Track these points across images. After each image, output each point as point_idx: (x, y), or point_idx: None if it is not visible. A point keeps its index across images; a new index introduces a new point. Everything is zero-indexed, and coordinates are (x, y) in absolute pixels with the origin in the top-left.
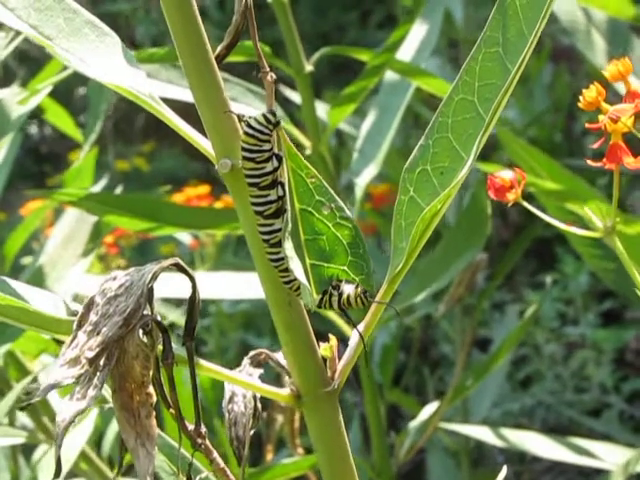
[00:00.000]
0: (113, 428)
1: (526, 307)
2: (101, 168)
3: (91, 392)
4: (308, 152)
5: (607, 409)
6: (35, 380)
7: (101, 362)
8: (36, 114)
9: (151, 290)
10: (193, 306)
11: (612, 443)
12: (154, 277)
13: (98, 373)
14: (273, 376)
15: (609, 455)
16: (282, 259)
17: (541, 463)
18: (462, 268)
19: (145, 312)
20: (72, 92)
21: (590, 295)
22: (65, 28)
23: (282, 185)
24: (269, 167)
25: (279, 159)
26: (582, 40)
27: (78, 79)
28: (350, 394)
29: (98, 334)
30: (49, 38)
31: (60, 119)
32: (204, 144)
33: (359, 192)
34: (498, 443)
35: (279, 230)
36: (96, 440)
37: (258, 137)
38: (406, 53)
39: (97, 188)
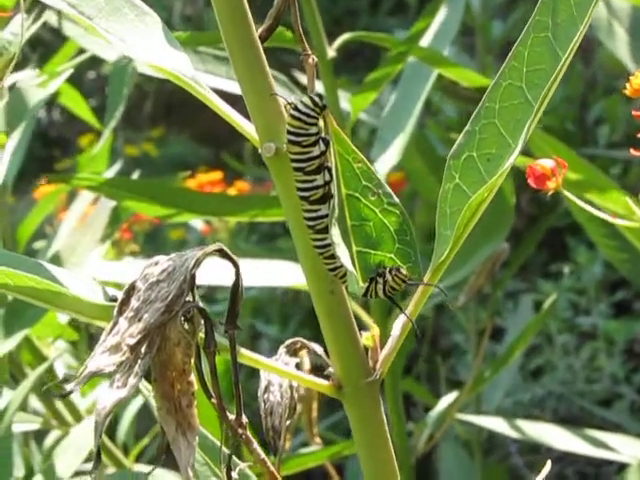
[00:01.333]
0: (128, 415)
1: (539, 297)
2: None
3: (132, 380)
4: None
5: (618, 400)
6: (51, 366)
7: (142, 349)
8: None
9: (194, 276)
10: (236, 293)
11: (623, 434)
12: (197, 263)
13: (139, 360)
14: None
15: (621, 446)
16: (328, 246)
17: (553, 453)
18: (484, 258)
19: (187, 299)
20: (82, 75)
21: (602, 285)
22: (105, 7)
23: (329, 170)
24: (316, 151)
25: (326, 143)
26: (603, 31)
27: (88, 62)
28: None
29: (139, 320)
30: (89, 17)
31: (75, 103)
32: (248, 128)
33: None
34: (512, 434)
35: (325, 216)
36: (111, 427)
37: (305, 120)
38: (427, 40)
39: (110, 173)
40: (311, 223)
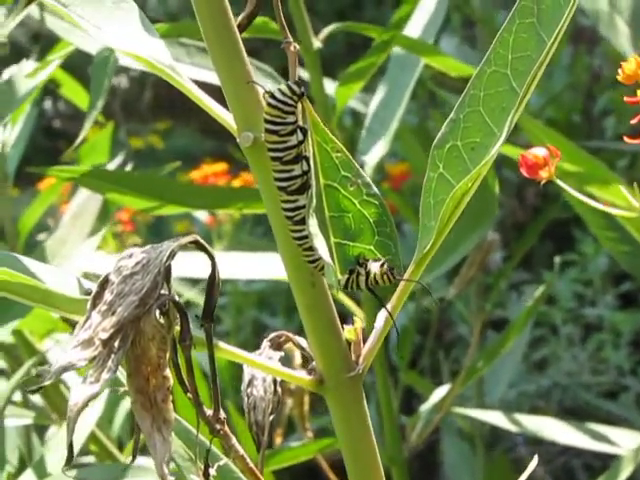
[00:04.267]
0: (122, 410)
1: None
2: (115, 146)
3: (105, 375)
4: None
5: (624, 392)
6: (43, 359)
7: (116, 344)
8: (51, 90)
9: (169, 268)
10: (212, 286)
11: (628, 426)
12: (172, 255)
13: (112, 355)
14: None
15: (625, 440)
16: (306, 237)
17: (557, 445)
18: (471, 248)
19: (162, 291)
20: (87, 69)
21: (608, 277)
22: None
23: (307, 159)
24: (293, 140)
25: (304, 132)
26: (604, 23)
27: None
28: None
29: (113, 314)
30: (64, 5)
31: (76, 94)
32: (225, 117)
33: (368, 171)
34: (512, 428)
35: (303, 207)
36: (106, 422)
37: (282, 109)
38: (414, 29)
39: (112, 165)
40: (289, 214)
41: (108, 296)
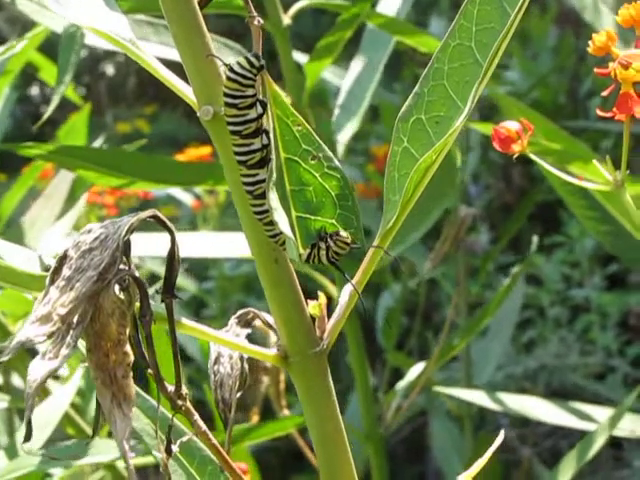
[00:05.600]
0: None
1: (532, 270)
2: (101, 131)
3: (64, 351)
4: None
5: (611, 373)
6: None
7: (74, 319)
8: (36, 76)
9: (128, 243)
10: (172, 261)
11: (615, 407)
12: (130, 229)
13: (71, 331)
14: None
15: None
16: (266, 211)
17: (544, 426)
18: (434, 220)
19: (122, 267)
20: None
21: (595, 258)
22: None
23: (266, 133)
24: (253, 114)
25: (263, 105)
26: (589, 11)
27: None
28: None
29: (71, 289)
30: None
31: (55, 78)
32: (185, 90)
33: (340, 149)
34: (498, 408)
35: (263, 180)
36: (83, 404)
37: (241, 82)
38: (386, 5)
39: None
40: (249, 188)
41: (66, 272)
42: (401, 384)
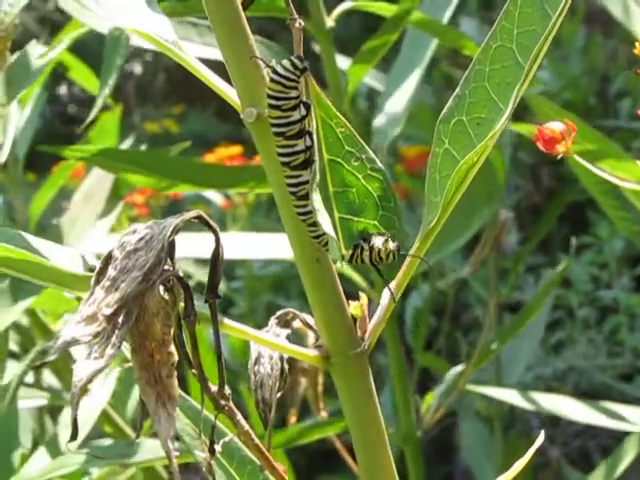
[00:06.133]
0: (137, 390)
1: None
2: (129, 131)
3: (109, 351)
4: None
5: (639, 374)
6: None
7: (119, 319)
8: (66, 76)
9: (172, 244)
10: (216, 261)
11: None
12: (175, 230)
13: (116, 331)
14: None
15: None
16: (310, 212)
17: (573, 427)
18: (479, 226)
19: (166, 267)
20: (101, 53)
21: (624, 259)
22: None
23: (310, 135)
24: (296, 115)
25: (307, 107)
26: (616, 6)
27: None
28: (383, 356)
29: (116, 290)
30: None
31: (85, 78)
32: (229, 93)
33: (383, 152)
34: (530, 407)
35: (307, 182)
36: (120, 403)
37: (284, 83)
38: (428, 7)
39: (123, 147)
40: (293, 189)
41: (111, 272)
42: (439, 387)
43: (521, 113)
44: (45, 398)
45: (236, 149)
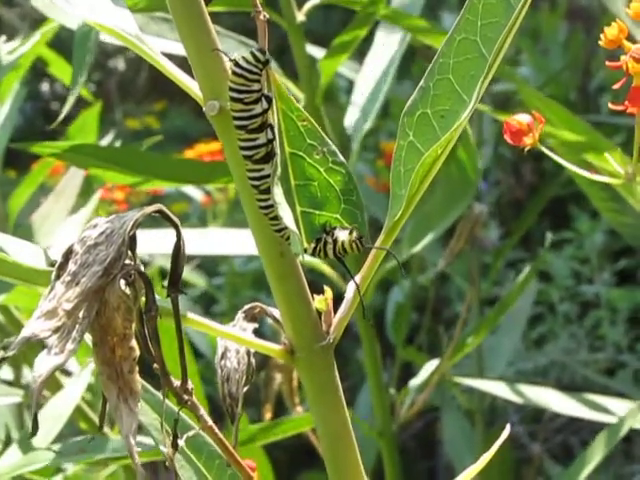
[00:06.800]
0: None
1: (541, 266)
2: (110, 127)
3: (70, 346)
4: (302, 105)
5: (621, 369)
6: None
7: (80, 314)
8: (48, 72)
9: (133, 238)
10: (178, 256)
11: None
12: (136, 224)
13: (77, 326)
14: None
15: (624, 411)
16: (272, 206)
17: (555, 422)
18: (453, 220)
19: (127, 262)
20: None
21: (605, 254)
22: None
23: (272, 128)
24: (258, 109)
25: (269, 100)
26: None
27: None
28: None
29: (77, 284)
30: None
31: (65, 74)
32: (192, 86)
33: (355, 146)
34: (513, 398)
35: (269, 175)
36: (96, 400)
37: (246, 77)
38: (400, 2)
39: (103, 143)
40: (255, 183)
41: (72, 267)
42: (415, 381)
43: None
44: (20, 395)
45: (216, 145)
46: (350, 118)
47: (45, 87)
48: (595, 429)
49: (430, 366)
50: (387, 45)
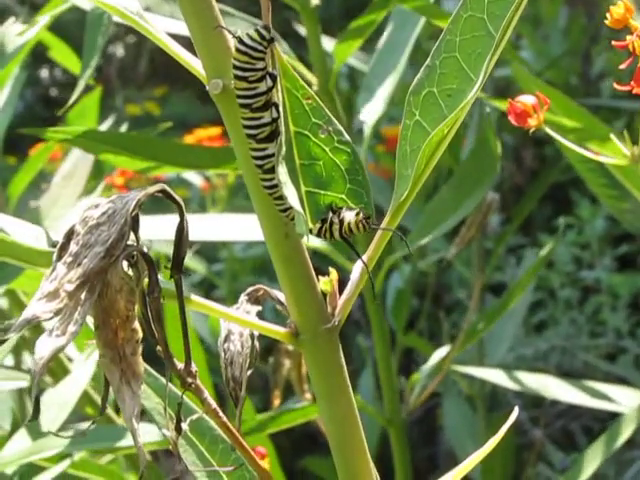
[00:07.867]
0: None
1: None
2: (111, 113)
3: (72, 328)
4: (315, 90)
5: (622, 354)
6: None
7: (82, 295)
8: (47, 58)
9: (136, 218)
10: (181, 236)
11: (628, 386)
12: (138, 204)
13: (79, 307)
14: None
15: (625, 398)
16: (276, 186)
17: (555, 408)
18: (472, 208)
19: (130, 242)
20: (80, 35)
21: (606, 239)
22: None
23: (276, 106)
24: (262, 87)
25: (273, 78)
26: None
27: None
28: (363, 338)
29: (79, 265)
30: None
31: (66, 58)
32: (195, 64)
33: (367, 130)
34: (513, 386)
35: (273, 155)
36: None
37: (251, 54)
38: None
39: (102, 129)
40: (259, 162)
41: (74, 247)
42: (424, 368)
43: (506, 94)
44: (25, 380)
45: (215, 130)
46: (362, 102)
47: (44, 73)
48: (596, 415)
49: (439, 353)
50: (402, 30)
